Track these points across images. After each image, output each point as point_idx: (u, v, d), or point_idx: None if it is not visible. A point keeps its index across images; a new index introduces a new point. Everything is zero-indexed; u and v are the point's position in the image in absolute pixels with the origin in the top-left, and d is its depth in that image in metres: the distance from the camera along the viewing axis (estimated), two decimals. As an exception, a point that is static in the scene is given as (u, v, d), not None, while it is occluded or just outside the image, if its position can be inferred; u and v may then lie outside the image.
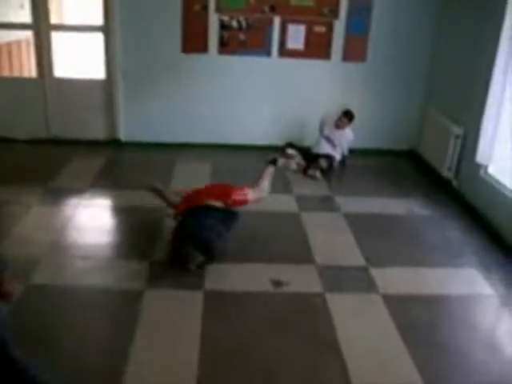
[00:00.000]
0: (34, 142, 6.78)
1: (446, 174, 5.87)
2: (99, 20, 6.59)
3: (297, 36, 6.57)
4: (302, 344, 3.40)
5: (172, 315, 3.62)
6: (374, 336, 3.51)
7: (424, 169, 6.53)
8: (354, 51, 6.67)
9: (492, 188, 5.05)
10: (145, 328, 3.45)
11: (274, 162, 4.88)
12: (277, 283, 4.00)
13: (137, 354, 3.21)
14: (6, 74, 7.58)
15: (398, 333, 3.52)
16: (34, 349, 3.18)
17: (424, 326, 3.64)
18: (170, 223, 4.70)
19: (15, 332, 3.27)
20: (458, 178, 5.77)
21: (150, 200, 5.24)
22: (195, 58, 6.65)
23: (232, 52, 6.62)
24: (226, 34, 6.54)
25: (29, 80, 7.25)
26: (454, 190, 5.79)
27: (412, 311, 3.79)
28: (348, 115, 6.33)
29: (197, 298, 3.78)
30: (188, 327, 3.49)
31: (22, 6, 7.41)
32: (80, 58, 8.96)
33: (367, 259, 4.42)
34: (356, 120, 6.56)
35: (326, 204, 5.57)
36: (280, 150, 5.94)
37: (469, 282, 4.24)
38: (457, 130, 5.70)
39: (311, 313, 3.72)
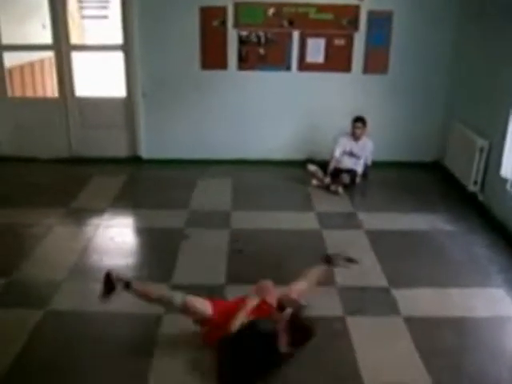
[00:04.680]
0: (56, 162, 6.84)
1: (472, 187, 5.72)
2: (120, 39, 6.62)
3: (316, 49, 6.51)
4: (320, 371, 3.32)
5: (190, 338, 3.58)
6: (395, 361, 3.42)
7: (449, 182, 6.39)
8: (375, 63, 6.58)
9: (519, 203, 4.91)
10: (163, 353, 3.43)
11: (328, 260, 3.94)
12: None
13: (156, 378, 3.21)
14: (30, 93, 7.67)
15: (420, 358, 3.42)
16: (51, 375, 3.21)
17: (448, 351, 3.52)
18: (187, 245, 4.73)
19: (31, 359, 3.35)
20: (483, 192, 5.63)
21: (169, 220, 5.26)
22: (215, 74, 6.63)
23: (251, 67, 6.59)
24: (244, 50, 6.51)
25: (51, 100, 7.31)
26: (479, 205, 5.64)
27: (435, 335, 3.68)
28: (360, 120, 6.23)
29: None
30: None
31: (44, 26, 7.51)
32: (102, 77, 9.04)
33: (389, 279, 4.33)
34: (378, 133, 6.51)
35: (348, 221, 5.47)
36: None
37: (496, 303, 4.10)
38: (482, 142, 5.56)
39: (331, 337, 3.64)
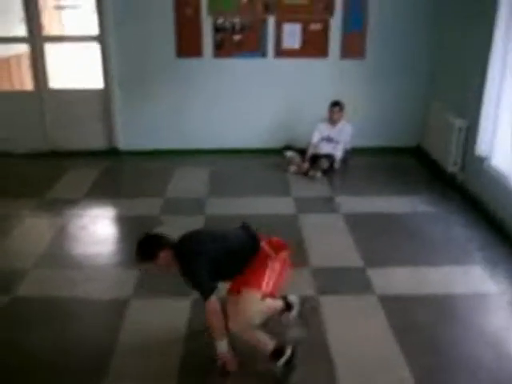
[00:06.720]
0: (33, 155, 6.72)
1: (451, 168, 5.64)
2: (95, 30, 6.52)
3: (292, 35, 6.41)
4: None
5: (156, 323, 3.49)
6: (367, 338, 3.35)
7: (430, 165, 6.29)
8: (353, 48, 6.48)
9: (496, 181, 4.83)
10: (127, 338, 3.35)
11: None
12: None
13: (117, 366, 3.12)
14: (6, 88, 7.55)
15: (393, 335, 3.34)
16: (15, 361, 3.14)
17: (422, 328, 3.45)
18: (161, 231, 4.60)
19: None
20: (462, 173, 5.55)
21: (143, 208, 5.17)
22: (190, 63, 6.53)
23: (227, 55, 6.49)
24: (220, 37, 6.42)
25: (25, 93, 7.19)
26: (458, 185, 5.57)
27: (410, 313, 3.60)
28: (337, 104, 6.16)
29: (184, 305, 3.65)
30: (172, 334, 3.39)
31: (22, 20, 7.39)
32: (80, 68, 8.93)
33: (365, 259, 4.24)
34: (359, 118, 6.45)
35: (326, 205, 5.39)
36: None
37: (474, 280, 4.03)
38: (460, 122, 5.49)
39: (301, 316, 3.54)
